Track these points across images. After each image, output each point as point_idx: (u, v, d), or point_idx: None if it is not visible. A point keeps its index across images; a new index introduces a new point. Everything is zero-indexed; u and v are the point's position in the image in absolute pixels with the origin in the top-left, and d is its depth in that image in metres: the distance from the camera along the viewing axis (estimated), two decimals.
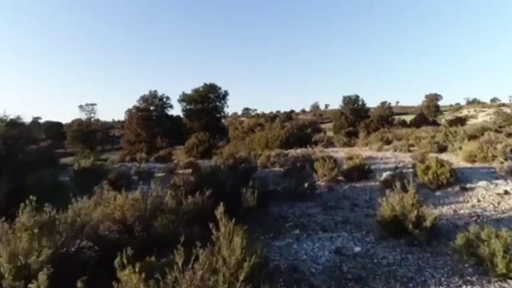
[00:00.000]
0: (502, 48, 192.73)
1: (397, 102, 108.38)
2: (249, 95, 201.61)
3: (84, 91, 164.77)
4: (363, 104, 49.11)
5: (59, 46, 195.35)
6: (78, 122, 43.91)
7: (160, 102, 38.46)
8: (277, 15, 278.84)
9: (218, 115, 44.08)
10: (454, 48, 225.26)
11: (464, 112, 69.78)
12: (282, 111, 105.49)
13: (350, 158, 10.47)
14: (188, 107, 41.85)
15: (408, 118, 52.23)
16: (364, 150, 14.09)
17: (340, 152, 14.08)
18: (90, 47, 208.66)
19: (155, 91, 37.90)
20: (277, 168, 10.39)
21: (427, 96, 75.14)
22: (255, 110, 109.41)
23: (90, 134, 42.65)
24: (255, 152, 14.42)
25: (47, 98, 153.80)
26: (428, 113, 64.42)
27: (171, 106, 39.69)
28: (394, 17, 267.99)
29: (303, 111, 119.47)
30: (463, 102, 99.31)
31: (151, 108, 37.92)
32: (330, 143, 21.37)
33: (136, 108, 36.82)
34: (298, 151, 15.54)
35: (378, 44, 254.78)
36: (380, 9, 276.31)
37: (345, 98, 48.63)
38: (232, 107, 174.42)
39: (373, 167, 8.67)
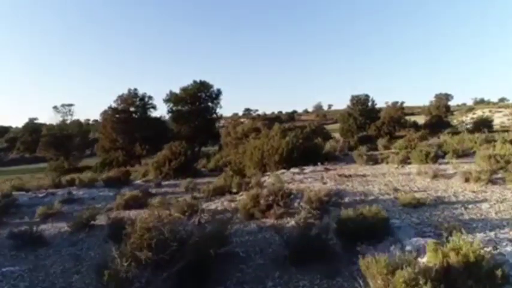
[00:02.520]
0: (508, 47, 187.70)
1: (403, 103, 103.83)
2: (250, 95, 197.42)
3: (74, 90, 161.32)
4: (373, 105, 44.21)
5: (56, 45, 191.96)
6: (48, 126, 38.31)
7: (142, 102, 32.96)
8: (278, 15, 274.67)
9: (210, 117, 38.82)
10: (459, 48, 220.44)
11: (478, 113, 64.85)
12: (284, 111, 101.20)
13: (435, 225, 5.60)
14: (175, 108, 36.45)
15: (418, 119, 47.90)
16: (406, 176, 9.21)
17: (371, 178, 9.19)
18: (82, 45, 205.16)
19: (135, 89, 32.65)
20: (271, 221, 5.61)
21: (436, 96, 70.58)
22: (256, 110, 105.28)
23: (64, 139, 37.52)
24: (240, 179, 9.59)
25: (47, 98, 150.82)
26: (439, 114, 59.66)
27: (154, 107, 34.31)
28: (396, 16, 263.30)
29: (306, 111, 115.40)
30: (469, 102, 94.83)
31: (131, 109, 32.69)
32: (344, 154, 16.69)
33: (113, 109, 31.39)
34: (307, 171, 10.86)
35: (381, 44, 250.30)
36: (381, 9, 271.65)
37: (353, 97, 43.79)
38: (233, 107, 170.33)
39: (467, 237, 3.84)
